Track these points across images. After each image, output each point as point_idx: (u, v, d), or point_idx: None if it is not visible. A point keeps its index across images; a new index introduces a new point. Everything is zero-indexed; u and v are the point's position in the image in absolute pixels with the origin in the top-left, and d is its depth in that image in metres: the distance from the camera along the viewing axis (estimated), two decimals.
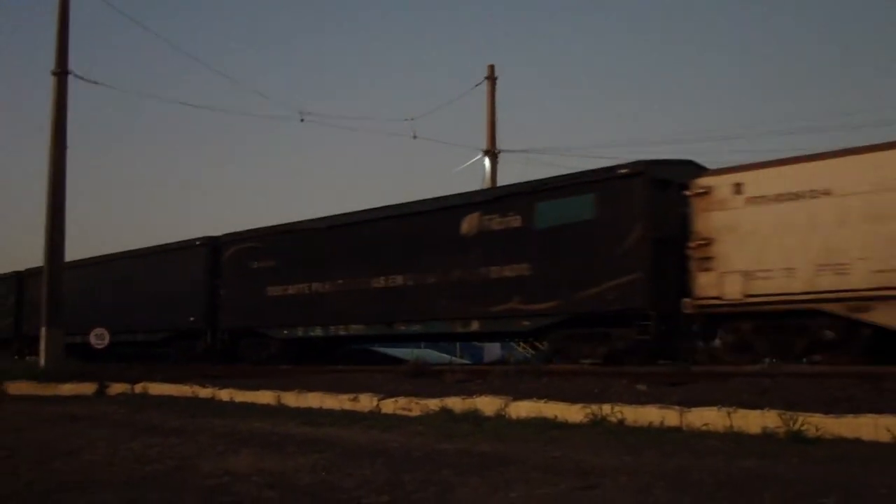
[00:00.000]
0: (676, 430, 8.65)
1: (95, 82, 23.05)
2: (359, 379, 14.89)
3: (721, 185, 14.99)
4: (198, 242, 25.57)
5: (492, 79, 31.55)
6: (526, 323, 17.67)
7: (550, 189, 17.59)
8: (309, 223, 22.68)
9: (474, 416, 10.15)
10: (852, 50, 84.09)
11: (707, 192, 15.10)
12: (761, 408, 8.61)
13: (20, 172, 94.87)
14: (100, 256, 30.60)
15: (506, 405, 10.32)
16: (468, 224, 18.64)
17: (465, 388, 12.38)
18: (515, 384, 12.39)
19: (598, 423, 9.21)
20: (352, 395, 12.19)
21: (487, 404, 10.52)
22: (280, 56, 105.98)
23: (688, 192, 15.43)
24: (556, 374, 13.65)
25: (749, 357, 14.53)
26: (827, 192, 13.84)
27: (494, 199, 18.79)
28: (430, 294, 18.91)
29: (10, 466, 7.28)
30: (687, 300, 15.14)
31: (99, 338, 22.19)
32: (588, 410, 9.49)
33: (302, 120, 28.59)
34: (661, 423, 8.88)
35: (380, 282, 19.91)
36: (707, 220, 15.07)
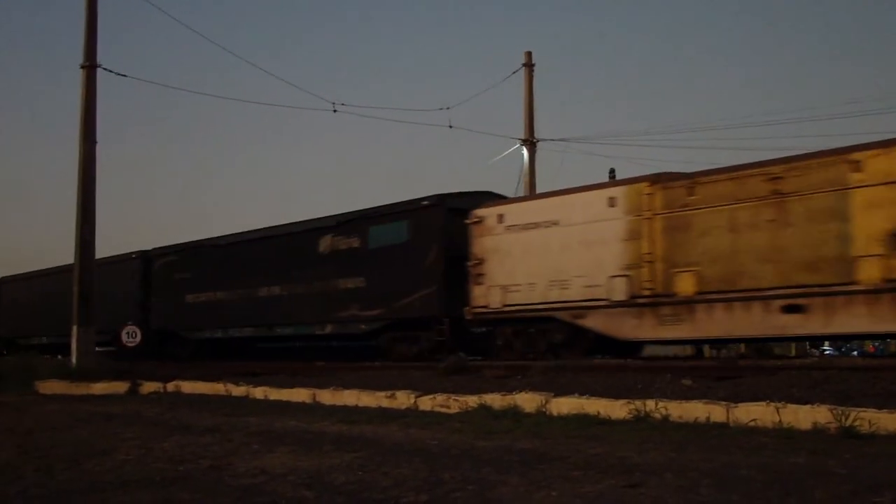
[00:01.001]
0: (723, 426, 8.44)
1: (124, 75, 23.12)
2: (395, 376, 14.80)
3: (489, 215, 18.92)
4: (133, 255, 29.89)
5: (529, 66, 31.26)
6: (363, 326, 21.30)
7: (379, 216, 21.67)
8: (214, 240, 27.01)
9: (514, 413, 10.00)
10: None
11: (480, 220, 19.08)
12: (811, 402, 8.38)
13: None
14: (55, 267, 34.01)
15: (546, 401, 10.15)
16: (324, 244, 22.71)
17: (505, 384, 12.25)
18: (556, 380, 12.24)
19: (641, 420, 9.02)
20: (388, 393, 12.08)
21: (527, 401, 10.35)
22: (313, 47, 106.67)
23: (467, 221, 19.26)
24: (598, 369, 13.48)
25: (516, 354, 17.99)
26: (556, 223, 17.74)
27: (342, 223, 22.58)
28: (298, 302, 22.69)
29: (44, 466, 7.23)
30: (466, 308, 18.96)
31: (130, 336, 22.34)
32: (631, 406, 9.30)
33: (335, 110, 28.81)
34: (707, 418, 8.67)
35: (263, 291, 23.91)
36: (480, 244, 18.98)
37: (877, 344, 29.95)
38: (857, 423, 7.64)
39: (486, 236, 18.82)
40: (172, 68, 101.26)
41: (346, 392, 12.75)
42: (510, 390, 11.06)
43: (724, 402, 8.87)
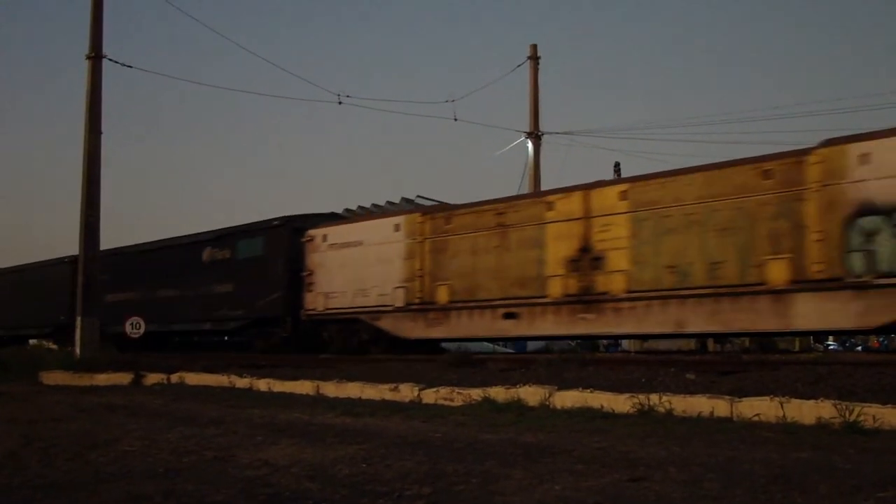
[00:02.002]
0: (727, 420, 8.43)
1: (130, 66, 23.17)
2: (399, 368, 14.80)
3: (317, 235, 22.68)
4: (66, 259, 33.11)
5: (534, 58, 31.19)
6: (232, 324, 25.00)
7: (243, 232, 25.77)
8: (126, 248, 31.17)
9: (518, 406, 9.99)
10: None
11: (311, 239, 22.84)
12: (815, 398, 8.37)
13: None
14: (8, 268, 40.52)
15: (550, 395, 10.14)
16: (205, 255, 26.81)
17: (509, 377, 12.23)
18: (560, 373, 12.23)
19: (645, 414, 9.01)
20: (392, 385, 12.07)
21: (531, 394, 10.35)
22: (319, 39, 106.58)
23: (303, 239, 23.08)
24: (602, 362, 13.48)
25: (337, 348, 21.93)
26: (361, 243, 21.52)
27: (218, 237, 26.63)
28: (186, 303, 26.25)
29: (47, 457, 7.23)
30: (302, 311, 22.76)
31: (134, 327, 22.63)
32: (635, 400, 9.30)
33: (340, 102, 28.95)
34: (711, 413, 8.67)
35: (162, 293, 27.48)
36: (311, 258, 22.76)
37: (881, 339, 29.90)
38: (861, 418, 7.63)
39: (315, 252, 22.70)
40: (177, 60, 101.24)
41: (350, 384, 12.74)
42: (514, 383, 11.04)
43: (727, 397, 8.86)
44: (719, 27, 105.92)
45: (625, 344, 28.58)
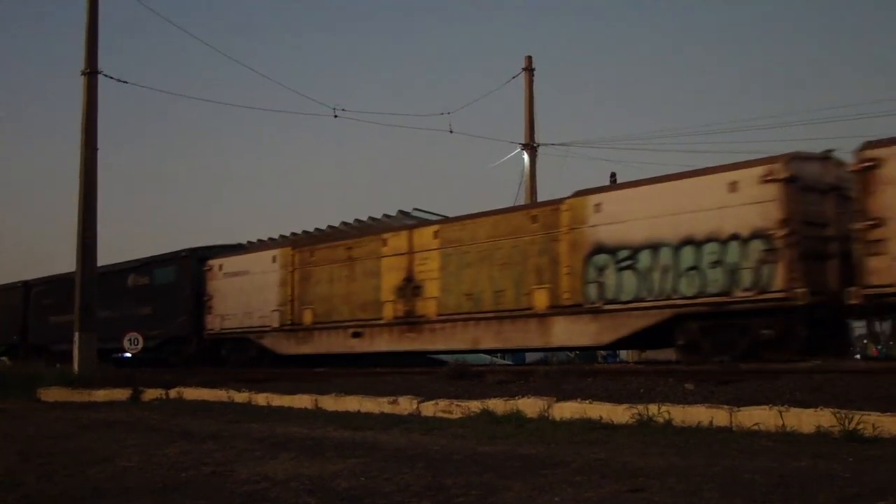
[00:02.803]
0: (726, 430, 8.41)
1: (125, 81, 23.21)
2: (398, 381, 14.77)
3: (216, 265, 25.93)
4: (19, 284, 37.55)
5: (529, 70, 31.29)
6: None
7: (159, 261, 29.28)
8: (68, 275, 31.43)
9: (517, 418, 9.98)
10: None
11: (210, 268, 26.11)
12: (814, 406, 8.36)
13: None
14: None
15: (549, 406, 10.13)
16: (131, 280, 30.03)
17: (507, 389, 12.20)
18: (559, 384, 12.21)
19: (644, 424, 9.00)
20: (391, 398, 12.05)
21: (530, 406, 10.33)
22: (314, 53, 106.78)
23: (204, 268, 26.36)
24: (601, 373, 13.46)
25: (234, 363, 24.98)
26: (248, 272, 24.89)
27: (140, 265, 30.10)
28: (116, 323, 27.28)
29: (45, 473, 7.22)
30: (204, 330, 26.17)
31: (132, 343, 22.73)
32: (634, 411, 9.28)
33: (336, 116, 28.99)
34: (710, 422, 8.65)
35: (98, 314, 28.31)
36: (211, 285, 26.03)
37: (879, 347, 29.88)
38: (860, 426, 7.62)
39: (213, 280, 25.98)
40: (173, 75, 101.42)
41: (349, 398, 12.72)
42: (512, 395, 11.02)
43: (726, 406, 8.84)
44: (715, 36, 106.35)
45: (623, 354, 28.65)
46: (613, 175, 30.70)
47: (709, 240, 15.41)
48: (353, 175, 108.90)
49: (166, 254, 29.39)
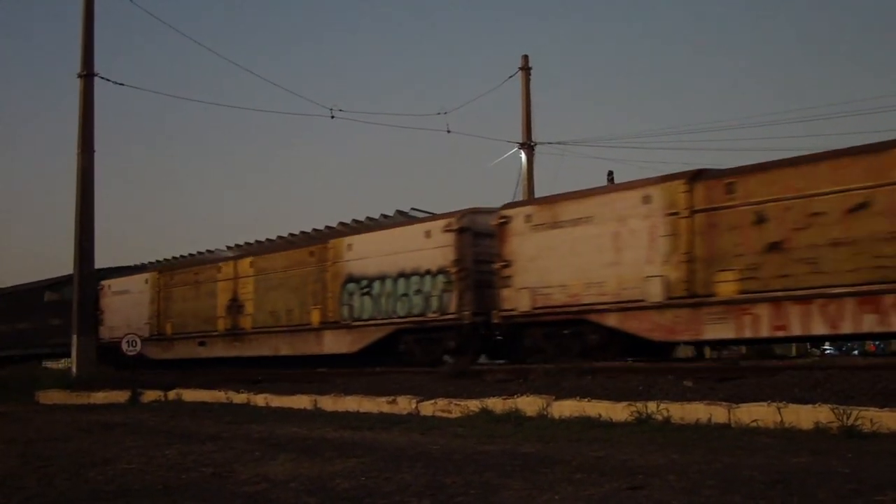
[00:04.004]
0: (725, 426, 8.44)
1: (121, 84, 23.25)
2: (397, 381, 14.78)
3: (105, 285, 29.84)
4: None
5: (526, 69, 31.24)
6: (61, 349, 29.93)
7: (68, 280, 28.58)
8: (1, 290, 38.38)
9: (516, 417, 10.00)
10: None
11: (102, 287, 29.69)
12: (813, 402, 8.38)
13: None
14: None
15: (548, 405, 10.15)
16: (46, 296, 33.54)
17: (506, 388, 12.22)
18: (558, 383, 12.21)
19: (643, 422, 9.02)
20: (390, 398, 12.07)
21: (529, 404, 10.35)
22: (310, 53, 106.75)
23: (99, 288, 29.12)
24: (600, 371, 13.46)
25: (125, 365, 24.68)
26: (128, 291, 29.35)
27: (54, 283, 33.22)
28: (37, 333, 32.62)
29: (45, 476, 7.21)
30: (99, 340, 27.61)
31: (131, 344, 22.83)
32: (633, 408, 9.31)
33: (332, 116, 28.98)
34: (709, 419, 8.68)
35: (20, 325, 33.05)
36: (103, 302, 29.82)
37: (878, 343, 29.92)
38: (858, 422, 7.65)
39: (105, 297, 30.05)
40: (170, 77, 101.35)
41: (348, 398, 12.73)
42: (511, 394, 11.04)
43: (725, 403, 8.87)
44: (712, 34, 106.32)
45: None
46: (611, 174, 30.65)
47: (414, 274, 20.14)
48: (351, 175, 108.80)
49: (62, 276, 33.27)
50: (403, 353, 20.48)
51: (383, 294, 20.73)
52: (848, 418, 7.72)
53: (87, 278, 22.18)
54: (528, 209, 18.47)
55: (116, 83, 22.94)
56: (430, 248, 19.69)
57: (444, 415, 11.00)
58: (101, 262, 24.71)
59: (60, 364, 33.54)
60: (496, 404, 10.67)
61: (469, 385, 13.27)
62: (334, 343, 22.07)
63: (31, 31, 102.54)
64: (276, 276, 23.76)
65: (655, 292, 16.07)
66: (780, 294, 14.62)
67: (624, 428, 8.79)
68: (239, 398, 14.65)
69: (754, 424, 8.30)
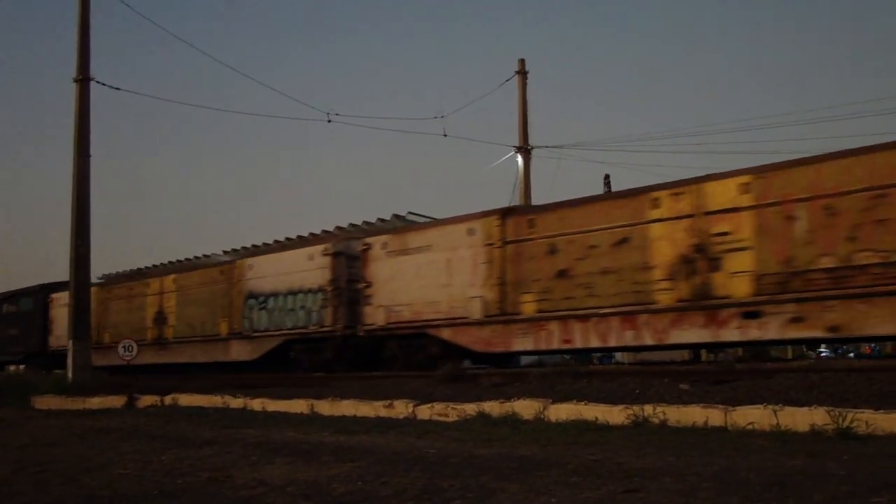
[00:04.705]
0: (721, 429, 8.44)
1: (118, 88, 23.13)
2: (393, 385, 14.77)
3: (55, 297, 33.43)
4: None
5: (522, 73, 31.27)
6: (19, 356, 35.24)
7: (23, 294, 36.66)
8: None
9: (512, 420, 9.99)
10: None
11: (52, 300, 34.04)
12: (809, 405, 8.39)
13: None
14: None
15: (544, 408, 10.14)
16: (4, 308, 37.60)
17: (503, 391, 12.22)
18: (554, 386, 12.23)
19: (640, 425, 9.02)
20: (386, 402, 12.06)
21: (525, 408, 10.34)
22: (308, 58, 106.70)
23: (48, 300, 34.43)
24: (596, 374, 13.49)
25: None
26: (64, 305, 29.55)
27: (11, 296, 37.59)
28: None
29: (40, 482, 7.20)
30: (48, 347, 33.88)
31: (127, 350, 23.39)
32: (630, 412, 9.30)
33: (329, 121, 29.26)
34: (706, 422, 8.68)
35: None
36: (51, 312, 34.19)
37: (873, 345, 30.02)
38: (854, 424, 7.65)
39: (54, 309, 33.94)
40: (168, 82, 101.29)
41: (344, 402, 12.72)
42: (508, 397, 11.04)
43: (721, 406, 8.87)
44: (709, 38, 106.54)
45: (618, 356, 28.88)
46: (607, 177, 30.69)
47: (300, 291, 23.36)
48: (349, 179, 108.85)
49: (28, 287, 37.29)
50: (293, 360, 23.62)
51: (276, 309, 24.20)
52: (843, 420, 7.73)
53: (83, 283, 22.10)
54: (384, 238, 21.51)
55: (113, 87, 22.93)
56: (312, 270, 23.07)
57: (441, 418, 10.99)
58: (95, 269, 25.01)
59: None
60: (493, 408, 10.67)
61: (465, 389, 13.28)
62: (239, 351, 25.37)
63: (28, 35, 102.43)
64: (194, 292, 27.41)
65: (476, 311, 19.19)
66: (566, 313, 17.59)
67: (620, 431, 8.79)
68: (235, 402, 14.62)
69: (750, 427, 8.31)
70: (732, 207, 15.60)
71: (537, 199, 29.70)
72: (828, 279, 14.44)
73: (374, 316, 21.32)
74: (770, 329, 15.04)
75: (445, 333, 19.81)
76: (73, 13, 22.25)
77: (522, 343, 18.53)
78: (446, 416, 11.02)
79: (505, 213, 19.21)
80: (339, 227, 25.21)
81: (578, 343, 17.52)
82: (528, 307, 18.36)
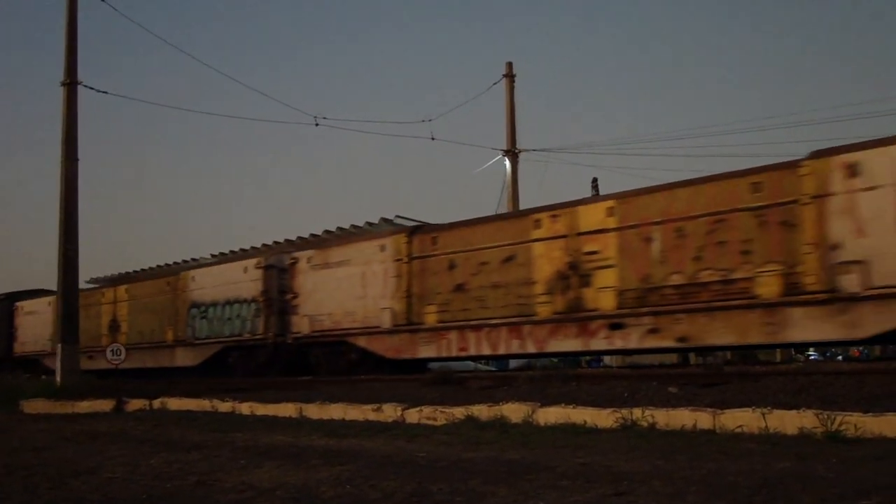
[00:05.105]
0: (710, 432, 8.46)
1: (105, 92, 23.03)
2: (382, 389, 14.76)
3: (20, 306, 35.30)
4: None
5: (510, 76, 31.33)
6: None
7: None
8: None
9: (501, 424, 9.99)
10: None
11: (16, 308, 35.75)
12: (797, 408, 8.41)
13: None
14: None
15: (533, 411, 10.15)
16: None
17: (491, 395, 12.22)
18: (543, 389, 12.23)
19: (628, 428, 9.03)
20: (375, 406, 12.05)
21: (514, 411, 10.35)
22: (295, 61, 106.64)
23: (13, 308, 35.71)
24: (585, 378, 13.50)
25: (30, 375, 29.52)
26: (36, 312, 34.26)
27: None
28: None
29: (28, 486, 7.15)
30: (13, 353, 34.89)
31: (115, 353, 23.45)
32: (618, 415, 9.32)
33: (317, 124, 29.24)
34: (694, 425, 8.70)
35: None
36: (16, 321, 35.67)
37: (861, 348, 30.11)
38: (843, 427, 7.68)
39: (19, 317, 35.53)
40: (155, 85, 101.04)
41: (333, 406, 12.70)
42: (497, 401, 11.04)
43: (710, 409, 8.88)
44: (698, 41, 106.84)
45: (607, 359, 28.94)
46: (595, 181, 30.74)
47: (236, 301, 24.91)
48: (337, 183, 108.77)
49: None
50: (231, 365, 25.09)
51: (216, 318, 25.77)
52: (832, 423, 7.76)
53: (72, 286, 22.03)
54: (309, 253, 23.22)
55: (100, 91, 22.84)
56: (247, 281, 24.70)
57: (430, 422, 10.99)
58: (83, 272, 24.85)
59: None
60: (481, 411, 10.67)
61: (454, 392, 13.28)
62: (183, 357, 26.89)
63: (14, 38, 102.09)
64: (144, 301, 28.66)
65: (387, 321, 20.73)
66: (462, 324, 19.20)
67: (609, 434, 8.81)
68: (224, 406, 14.59)
69: (739, 430, 8.33)
70: (600, 229, 17.11)
71: (525, 202, 29.78)
72: (677, 295, 15.98)
73: (301, 325, 23.06)
74: (631, 339, 16.57)
75: (362, 341, 21.51)
76: (61, 17, 22.21)
77: (426, 350, 20.14)
78: (435, 419, 11.02)
79: (412, 231, 20.91)
80: (276, 242, 27.02)
81: (473, 351, 19.39)
82: (431, 318, 19.96)
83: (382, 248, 21.12)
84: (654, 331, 16.28)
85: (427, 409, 11.33)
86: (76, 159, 21.92)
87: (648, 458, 7.01)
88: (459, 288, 19.41)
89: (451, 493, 5.81)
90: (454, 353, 19.72)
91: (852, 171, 14.01)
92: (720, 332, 15.46)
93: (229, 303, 25.19)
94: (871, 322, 13.77)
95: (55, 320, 29.93)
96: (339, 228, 24.94)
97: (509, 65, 31.50)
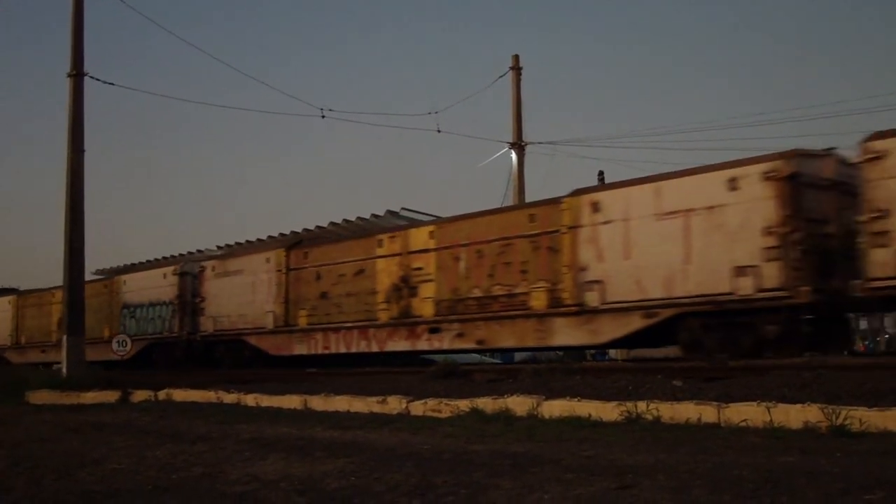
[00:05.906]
0: (714, 426, 8.45)
1: (111, 83, 22.97)
2: (387, 381, 14.76)
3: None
4: None
5: (517, 69, 31.21)
6: None
7: None
8: None
9: (506, 417, 9.98)
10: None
11: None
12: (802, 402, 8.39)
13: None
14: None
15: (538, 404, 10.14)
16: None
17: (496, 387, 12.22)
18: (547, 383, 12.22)
19: (633, 422, 9.02)
20: (380, 398, 12.05)
21: (519, 404, 10.34)
22: (302, 53, 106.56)
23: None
24: (589, 371, 13.48)
25: None
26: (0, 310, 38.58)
27: None
28: None
29: (34, 477, 7.19)
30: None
31: (121, 345, 23.82)
32: (623, 408, 9.30)
33: (323, 116, 29.16)
34: (699, 419, 8.68)
35: None
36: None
37: (867, 342, 30.08)
38: (847, 421, 7.66)
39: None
40: (162, 77, 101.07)
41: (338, 398, 12.70)
42: (501, 394, 11.03)
43: (714, 403, 8.87)
44: (702, 36, 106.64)
45: (612, 353, 28.95)
46: (601, 174, 30.61)
47: (158, 303, 28.65)
48: (344, 175, 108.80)
49: None
50: (154, 360, 28.31)
51: (142, 318, 29.47)
52: (837, 418, 7.73)
53: (78, 278, 22.02)
54: (213, 262, 27.17)
55: (106, 83, 22.79)
56: (166, 286, 28.46)
57: (435, 415, 10.99)
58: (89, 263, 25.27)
59: None
60: (486, 404, 10.66)
61: (459, 385, 13.28)
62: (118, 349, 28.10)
63: (22, 30, 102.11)
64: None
65: (270, 323, 24.52)
66: (325, 326, 22.99)
67: (613, 427, 8.80)
68: (229, 398, 14.59)
69: (744, 424, 8.31)
70: (424, 249, 20.68)
71: (531, 195, 29.71)
72: (477, 305, 19.41)
73: (207, 325, 26.79)
74: (445, 341, 20.07)
75: (253, 340, 25.28)
76: (68, 8, 22.17)
77: (300, 348, 23.79)
78: (440, 412, 11.02)
79: (290, 246, 24.64)
80: (199, 250, 30.42)
81: (333, 349, 22.91)
82: (303, 320, 23.69)
83: (268, 260, 25.01)
84: (460, 335, 19.77)
85: (432, 402, 11.33)
86: (82, 150, 21.86)
87: (653, 451, 7.01)
88: (324, 296, 23.15)
89: (455, 486, 5.82)
90: (320, 351, 23.22)
91: (595, 207, 17.21)
92: (506, 337, 19.09)
93: (153, 305, 29.06)
94: (608, 330, 17.13)
95: (14, 317, 36.45)
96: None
97: (516, 57, 31.40)
